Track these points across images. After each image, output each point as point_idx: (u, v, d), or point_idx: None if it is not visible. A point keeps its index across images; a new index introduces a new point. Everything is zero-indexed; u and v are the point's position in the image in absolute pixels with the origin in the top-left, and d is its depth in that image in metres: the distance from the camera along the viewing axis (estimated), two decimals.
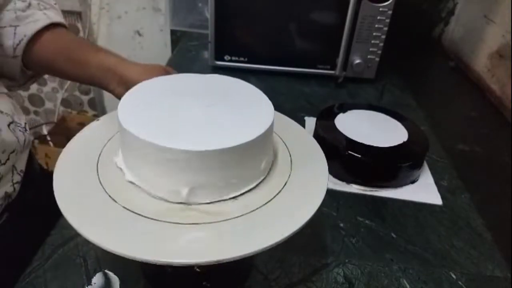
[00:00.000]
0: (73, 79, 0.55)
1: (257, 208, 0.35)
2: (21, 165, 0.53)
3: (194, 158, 0.33)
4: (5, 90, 0.53)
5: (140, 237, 0.32)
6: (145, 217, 0.34)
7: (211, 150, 0.33)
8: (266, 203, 0.36)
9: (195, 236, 0.32)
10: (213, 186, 0.35)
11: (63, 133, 1.43)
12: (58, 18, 0.54)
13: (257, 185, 0.38)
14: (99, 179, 0.37)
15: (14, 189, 0.51)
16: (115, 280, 0.43)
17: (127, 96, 0.39)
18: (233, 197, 0.36)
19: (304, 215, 0.35)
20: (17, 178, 0.51)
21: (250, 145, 0.35)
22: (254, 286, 0.45)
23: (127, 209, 0.34)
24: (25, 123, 0.54)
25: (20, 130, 0.52)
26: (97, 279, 0.43)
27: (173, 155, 0.33)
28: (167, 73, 0.51)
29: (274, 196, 0.37)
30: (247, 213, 0.35)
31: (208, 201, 0.36)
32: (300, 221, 0.34)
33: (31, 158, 0.57)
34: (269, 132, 0.37)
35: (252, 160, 0.36)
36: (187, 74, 0.45)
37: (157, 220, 0.33)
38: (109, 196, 0.35)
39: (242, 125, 0.37)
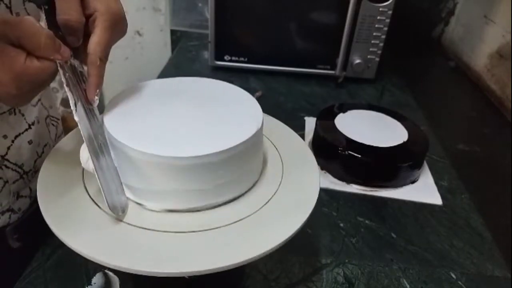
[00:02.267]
0: None
1: (249, 216, 0.35)
2: None
3: (182, 164, 0.33)
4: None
5: (119, 244, 0.31)
6: (132, 225, 0.33)
7: (199, 156, 0.32)
8: (260, 209, 0.36)
9: (175, 246, 0.32)
10: (202, 193, 0.35)
11: (63, 133, 1.43)
12: None
13: (248, 191, 0.38)
14: (85, 187, 0.36)
15: None
16: (115, 280, 0.43)
17: (113, 103, 0.38)
18: (223, 204, 0.36)
19: (297, 221, 0.34)
20: None
21: (237, 150, 0.34)
22: (254, 286, 0.45)
23: (109, 215, 0.34)
24: (59, 118, 0.56)
25: (53, 124, 0.54)
26: (97, 279, 0.43)
27: (159, 161, 0.32)
28: None
29: (267, 202, 0.37)
30: (237, 221, 0.34)
31: (198, 209, 0.35)
32: (293, 227, 0.33)
33: None
34: (257, 136, 0.37)
35: (241, 165, 0.36)
36: (177, 78, 0.44)
37: (145, 228, 0.33)
38: (96, 204, 0.35)
39: (230, 130, 0.36)
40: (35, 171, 0.49)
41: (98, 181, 0.33)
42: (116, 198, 0.34)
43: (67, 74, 0.33)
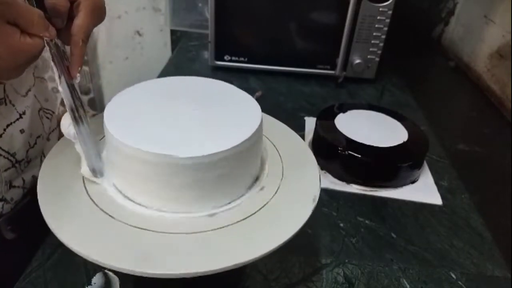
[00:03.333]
0: None
1: (249, 216, 0.35)
2: (48, 151, 0.56)
3: (182, 164, 0.33)
4: (45, 76, 0.57)
5: (119, 245, 0.31)
6: (131, 226, 0.33)
7: (198, 156, 0.32)
8: (260, 209, 0.36)
9: (175, 246, 0.32)
10: (201, 193, 0.35)
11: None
12: None
13: (247, 191, 0.38)
14: (85, 187, 0.37)
15: None
16: (115, 280, 0.43)
17: (113, 102, 0.38)
18: (223, 204, 0.36)
19: (297, 222, 0.34)
20: None
21: (236, 150, 0.34)
22: (254, 286, 0.45)
23: (109, 215, 0.34)
24: (54, 111, 0.58)
25: (47, 117, 0.55)
26: (97, 279, 0.43)
27: (159, 161, 0.32)
28: None
29: (267, 202, 0.37)
30: (237, 222, 0.34)
31: (197, 209, 0.35)
32: (293, 228, 0.33)
33: None
34: (256, 136, 0.37)
35: (240, 165, 0.36)
36: (177, 78, 0.45)
37: (144, 229, 0.33)
38: (95, 204, 0.35)
39: (229, 130, 0.36)
40: (28, 161, 0.50)
41: (79, 144, 0.37)
42: (95, 163, 0.38)
43: (52, 51, 0.37)
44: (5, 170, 0.47)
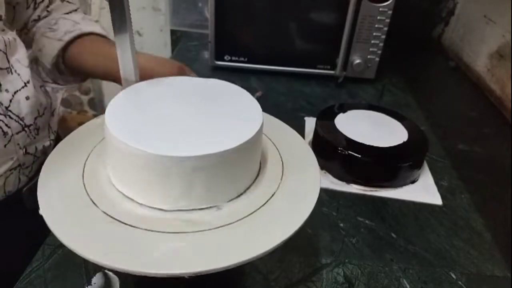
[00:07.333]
0: (101, 75, 0.61)
1: (248, 215, 0.35)
2: (54, 126, 0.63)
3: (182, 163, 0.33)
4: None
5: (119, 245, 0.31)
6: (131, 226, 0.33)
7: (198, 156, 0.32)
8: (259, 208, 0.35)
9: (176, 246, 0.32)
10: (202, 193, 0.35)
11: (63, 133, 1.43)
12: (104, 32, 0.62)
13: (247, 191, 0.38)
14: (84, 184, 0.37)
15: (50, 144, 0.60)
16: (115, 280, 0.43)
17: (113, 102, 0.38)
18: (219, 205, 0.36)
19: (297, 221, 0.34)
20: (53, 136, 0.61)
21: (237, 150, 0.34)
22: (254, 286, 0.45)
23: (108, 215, 0.34)
24: (57, 90, 0.65)
25: (47, 94, 0.61)
26: (97, 279, 0.43)
27: (159, 160, 0.32)
28: (180, 70, 0.54)
29: (267, 201, 0.36)
30: (237, 221, 0.34)
31: (197, 209, 0.35)
32: (292, 227, 0.33)
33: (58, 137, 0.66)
34: (257, 137, 0.37)
35: (240, 165, 0.36)
36: (177, 78, 0.45)
37: (144, 229, 0.33)
38: (95, 205, 0.35)
39: (230, 130, 0.36)
40: (37, 128, 0.56)
41: None
42: None
43: None
44: (17, 133, 0.52)
